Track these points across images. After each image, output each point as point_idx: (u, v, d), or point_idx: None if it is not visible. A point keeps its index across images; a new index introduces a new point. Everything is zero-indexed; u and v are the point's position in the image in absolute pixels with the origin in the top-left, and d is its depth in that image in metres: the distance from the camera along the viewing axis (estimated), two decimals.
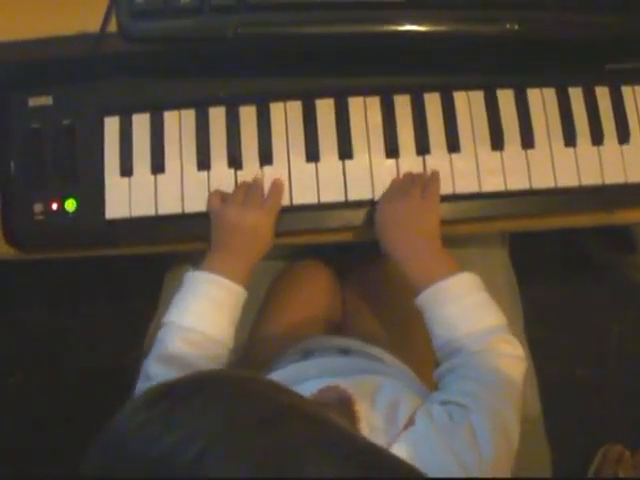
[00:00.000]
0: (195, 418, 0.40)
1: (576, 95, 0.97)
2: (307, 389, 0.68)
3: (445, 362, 0.79)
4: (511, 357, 0.77)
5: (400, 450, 0.62)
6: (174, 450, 0.39)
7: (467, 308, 0.79)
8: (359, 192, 0.92)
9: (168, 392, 0.43)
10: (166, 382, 0.45)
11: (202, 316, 0.80)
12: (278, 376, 0.80)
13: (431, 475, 0.45)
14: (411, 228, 0.86)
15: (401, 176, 0.92)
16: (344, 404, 0.65)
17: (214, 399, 0.42)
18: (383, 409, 0.68)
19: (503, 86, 0.96)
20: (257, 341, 1.00)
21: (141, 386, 0.78)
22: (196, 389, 0.43)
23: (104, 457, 0.42)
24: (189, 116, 0.94)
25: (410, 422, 0.67)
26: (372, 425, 0.65)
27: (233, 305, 0.83)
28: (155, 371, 0.77)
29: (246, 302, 1.03)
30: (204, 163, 0.92)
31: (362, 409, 0.65)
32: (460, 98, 0.95)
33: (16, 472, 1.50)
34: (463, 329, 0.78)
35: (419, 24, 0.87)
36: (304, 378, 0.74)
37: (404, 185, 0.89)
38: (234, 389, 0.44)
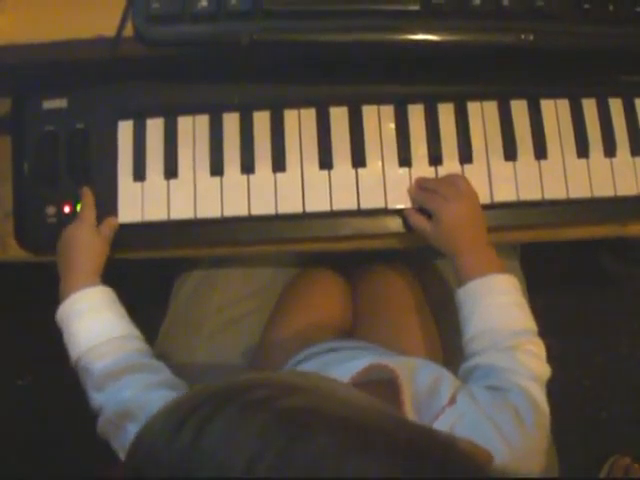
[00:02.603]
0: (226, 438, 0.40)
1: (589, 106, 0.97)
2: (352, 368, 0.69)
3: (473, 357, 0.81)
4: (541, 360, 0.80)
5: (442, 425, 0.65)
6: (219, 471, 0.38)
7: (512, 304, 0.83)
8: (372, 200, 0.92)
9: (191, 412, 0.42)
10: (186, 399, 0.44)
11: (92, 329, 0.81)
12: (310, 366, 0.83)
13: None
14: (478, 225, 0.88)
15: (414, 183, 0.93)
16: (388, 381, 0.66)
17: (239, 415, 0.41)
18: (425, 386, 0.70)
19: (517, 96, 0.96)
20: (268, 345, 1.00)
21: (100, 422, 0.77)
22: (217, 406, 0.42)
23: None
24: (203, 121, 0.94)
25: (452, 400, 0.69)
26: (415, 400, 0.67)
27: (107, 303, 0.84)
28: (100, 399, 0.77)
29: (258, 307, 1.04)
30: (217, 169, 0.92)
31: (405, 385, 0.66)
32: (474, 108, 0.96)
33: (23, 473, 1.50)
34: (503, 322, 0.81)
35: (434, 33, 0.87)
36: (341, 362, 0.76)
37: (451, 184, 0.90)
38: (255, 401, 0.43)
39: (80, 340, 0.80)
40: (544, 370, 0.79)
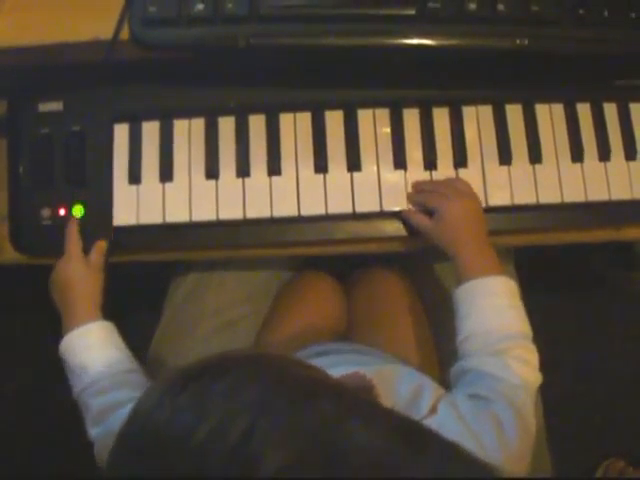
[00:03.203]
0: (230, 398, 0.40)
1: (584, 111, 0.98)
2: None
3: (465, 358, 0.81)
4: (532, 367, 0.79)
5: None
6: (219, 431, 0.38)
7: (509, 307, 0.82)
8: (367, 204, 0.92)
9: (196, 375, 0.43)
10: (191, 366, 0.44)
11: (92, 365, 0.81)
12: None
13: None
14: (479, 224, 0.89)
15: (411, 188, 0.93)
16: (365, 391, 0.66)
17: (244, 377, 0.42)
18: (406, 395, 0.71)
19: (512, 101, 0.97)
20: (262, 348, 1.00)
21: (96, 451, 0.79)
22: (223, 369, 0.43)
23: (138, 453, 0.41)
24: (198, 125, 0.94)
25: (433, 410, 0.70)
26: (397, 406, 0.67)
27: (107, 337, 0.84)
28: (95, 433, 0.79)
29: (253, 310, 1.04)
30: (212, 172, 0.92)
31: (383, 395, 0.66)
32: (468, 112, 0.96)
33: (22, 474, 1.50)
34: (498, 324, 0.81)
35: (429, 38, 0.87)
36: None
37: (450, 185, 0.91)
38: (260, 366, 0.44)
39: (80, 376, 0.81)
40: (534, 378, 0.79)
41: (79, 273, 0.87)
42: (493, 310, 0.82)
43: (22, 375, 1.56)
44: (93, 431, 0.80)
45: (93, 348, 0.83)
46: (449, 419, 0.68)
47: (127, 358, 0.84)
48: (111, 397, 0.79)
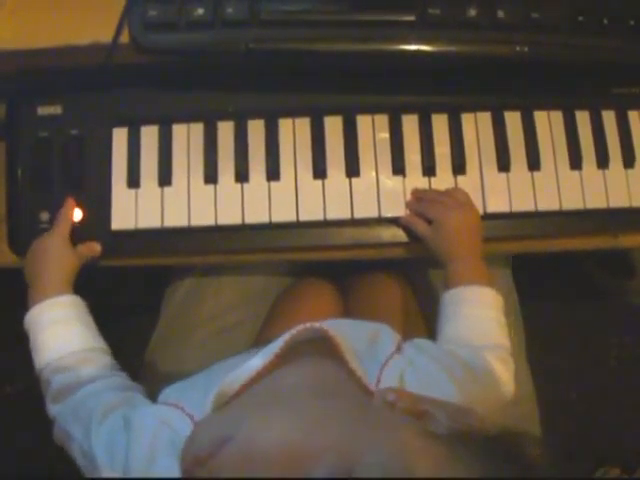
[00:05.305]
0: None
1: (583, 118, 0.98)
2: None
3: None
4: (508, 370, 0.80)
5: (392, 373, 0.67)
6: None
7: (494, 320, 0.83)
8: (365, 210, 0.92)
9: None
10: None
11: (57, 340, 0.80)
12: None
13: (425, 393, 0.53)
14: (476, 235, 0.90)
15: (410, 194, 0.94)
16: (322, 340, 0.66)
17: None
18: (364, 340, 0.72)
19: (510, 108, 0.97)
20: None
21: (55, 430, 0.77)
22: None
23: None
24: (197, 129, 0.94)
25: (398, 350, 0.72)
26: (357, 354, 0.66)
27: (75, 313, 0.83)
28: (56, 410, 0.77)
29: (250, 316, 1.04)
30: (211, 177, 0.92)
31: (341, 343, 0.65)
32: (467, 119, 0.96)
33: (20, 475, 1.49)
34: (479, 332, 0.82)
35: (429, 44, 0.87)
36: None
37: (450, 195, 0.92)
38: None
39: (44, 352, 0.80)
40: (508, 380, 0.79)
41: (59, 249, 0.87)
42: (477, 319, 0.83)
43: (21, 375, 1.56)
44: (54, 408, 0.77)
45: (60, 323, 0.81)
46: (417, 356, 0.71)
47: (92, 335, 0.82)
48: (74, 375, 0.77)
